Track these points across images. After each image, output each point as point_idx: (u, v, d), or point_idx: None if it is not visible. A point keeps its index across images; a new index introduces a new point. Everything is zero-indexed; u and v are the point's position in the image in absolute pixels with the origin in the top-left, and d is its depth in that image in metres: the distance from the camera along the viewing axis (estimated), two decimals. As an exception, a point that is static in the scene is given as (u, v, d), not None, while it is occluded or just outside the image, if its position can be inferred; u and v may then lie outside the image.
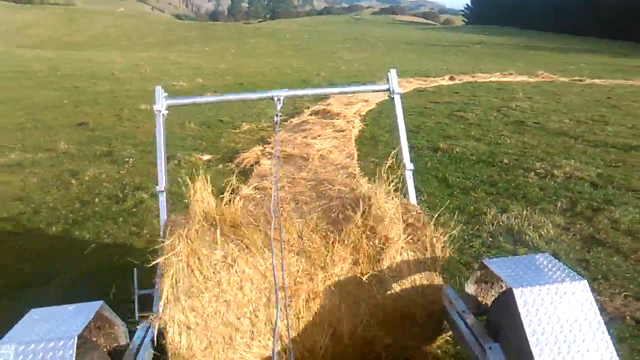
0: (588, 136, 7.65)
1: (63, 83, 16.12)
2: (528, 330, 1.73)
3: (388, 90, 3.00)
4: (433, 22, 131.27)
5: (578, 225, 4.24)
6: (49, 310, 2.00)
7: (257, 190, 5.19)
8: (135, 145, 7.86)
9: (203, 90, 14.08)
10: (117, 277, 3.38)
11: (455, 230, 2.94)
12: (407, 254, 2.43)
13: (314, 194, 4.89)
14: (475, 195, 5.02)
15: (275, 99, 2.89)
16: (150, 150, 7.24)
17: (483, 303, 2.37)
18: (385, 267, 2.39)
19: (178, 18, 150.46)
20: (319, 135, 7.58)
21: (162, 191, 2.79)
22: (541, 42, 48.95)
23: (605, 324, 1.73)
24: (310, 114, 9.63)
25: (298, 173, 5.83)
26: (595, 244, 3.91)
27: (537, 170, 5.78)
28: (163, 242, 2.34)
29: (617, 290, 3.23)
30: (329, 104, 10.56)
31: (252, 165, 6.52)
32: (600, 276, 3.44)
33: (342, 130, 7.99)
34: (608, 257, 3.68)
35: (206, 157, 7.04)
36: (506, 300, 1.94)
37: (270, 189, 4.30)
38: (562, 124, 8.67)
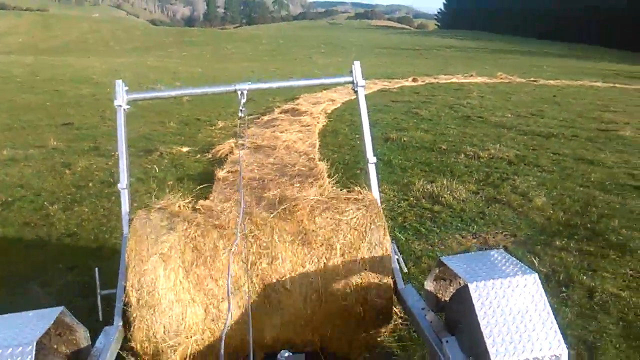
0: (521, 127, 8.78)
1: (44, 87, 16.72)
2: (482, 323, 1.81)
3: (352, 82, 3.02)
4: (407, 27, 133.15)
5: (486, 191, 5.32)
6: (7, 317, 1.99)
7: (230, 174, 6.10)
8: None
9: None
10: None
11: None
12: (361, 246, 2.54)
13: (277, 174, 5.80)
14: (411, 172, 6.01)
15: (239, 92, 2.89)
16: (134, 145, 8.07)
17: (442, 300, 2.44)
18: (338, 255, 2.51)
19: (154, 24, 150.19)
20: (286, 130, 8.51)
21: (124, 188, 2.81)
22: (513, 46, 50.50)
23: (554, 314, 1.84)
24: (280, 112, 10.55)
25: (266, 159, 6.74)
26: (495, 202, 5.00)
27: (467, 153, 6.86)
28: (126, 238, 2.41)
29: (500, 231, 4.25)
30: (298, 103, 11.51)
31: (226, 155, 7.40)
32: (491, 223, 4.51)
33: (308, 125, 8.92)
34: (501, 211, 4.78)
35: (185, 149, 7.91)
36: (462, 295, 2.04)
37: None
38: (503, 117, 9.75)
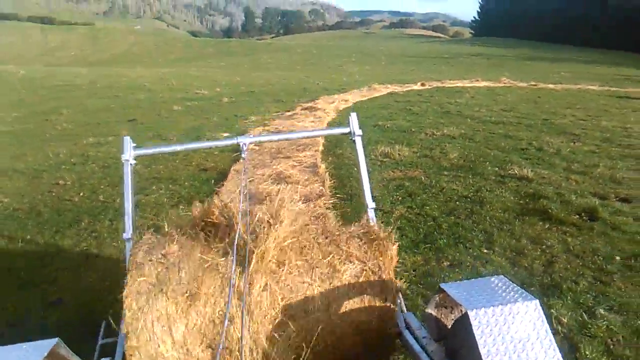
0: (484, 118, 11.19)
1: (105, 93, 19.61)
2: (483, 351, 1.81)
3: (349, 133, 3.12)
4: (442, 35, 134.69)
5: (422, 152, 7.88)
6: (1, 349, 2.02)
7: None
8: (176, 131, 11.26)
9: (221, 96, 17.51)
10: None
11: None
12: (364, 275, 2.53)
13: (290, 146, 8.31)
14: (380, 143, 8.44)
15: (242, 144, 2.95)
16: (188, 134, 10.69)
17: (444, 328, 2.41)
18: (341, 283, 2.49)
19: (194, 35, 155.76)
20: (302, 120, 11.05)
21: (129, 238, 2.82)
22: (540, 53, 51.64)
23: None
24: (301, 109, 13.08)
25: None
26: (423, 157, 7.53)
27: (427, 133, 9.34)
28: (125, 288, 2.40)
29: (417, 169, 6.72)
30: (317, 103, 14.01)
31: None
32: (415, 166, 6.99)
33: (320, 118, 11.43)
34: (425, 160, 7.28)
35: (225, 134, 10.47)
36: (463, 323, 2.03)
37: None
38: (476, 112, 12.08)
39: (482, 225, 4.90)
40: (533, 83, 20.68)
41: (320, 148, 8.09)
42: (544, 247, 4.39)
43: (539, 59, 44.63)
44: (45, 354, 1.95)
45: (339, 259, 2.54)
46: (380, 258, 2.57)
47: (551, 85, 20.32)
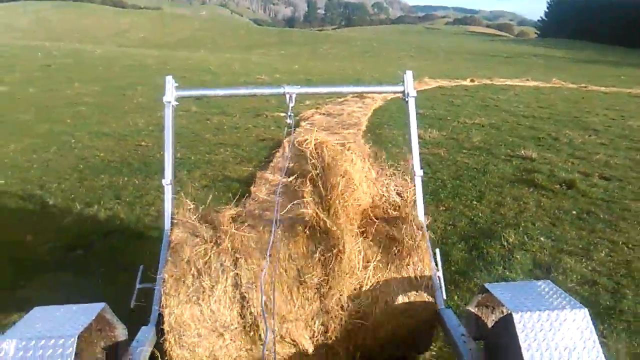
0: (514, 112, 12.29)
1: (175, 74, 20.49)
2: (526, 355, 1.79)
3: (402, 92, 2.97)
4: (506, 34, 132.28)
5: (450, 135, 8.97)
6: (52, 308, 2.09)
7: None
8: (239, 109, 12.70)
9: (279, 82, 18.90)
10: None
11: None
12: (403, 272, 2.54)
13: (339, 126, 9.60)
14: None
15: (287, 95, 2.89)
16: (249, 111, 12.14)
17: (483, 327, 2.39)
18: (380, 275, 2.53)
19: (257, 23, 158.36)
20: (350, 106, 12.33)
21: (169, 184, 2.82)
22: (602, 56, 50.96)
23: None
24: (351, 96, 14.34)
25: (333, 120, 10.59)
26: (452, 140, 8.72)
27: (460, 121, 10.62)
28: (169, 236, 2.52)
29: (442, 151, 7.88)
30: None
31: (307, 118, 11.23)
32: (443, 147, 8.20)
33: (367, 104, 12.68)
34: (453, 143, 8.42)
35: (282, 114, 11.84)
36: (506, 324, 2.00)
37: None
38: (513, 107, 13.06)
39: (478, 187, 6.14)
40: (583, 85, 21.14)
41: (363, 128, 9.38)
42: (521, 203, 5.62)
43: (601, 62, 44.13)
44: (93, 317, 2.03)
45: (378, 247, 2.56)
46: (424, 252, 2.57)
47: (603, 88, 20.73)
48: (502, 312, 2.31)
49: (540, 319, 1.85)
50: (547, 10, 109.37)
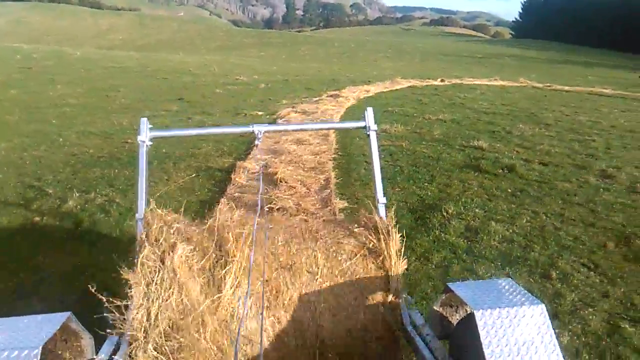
0: (477, 109, 13.20)
1: (155, 75, 21.82)
2: (487, 352, 1.85)
3: (364, 127, 3.13)
4: (482, 35, 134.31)
5: (414, 129, 9.88)
6: (15, 319, 2.04)
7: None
8: (219, 109, 13.41)
9: (258, 82, 19.64)
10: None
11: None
12: (369, 271, 2.59)
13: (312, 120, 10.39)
14: (382, 123, 10.40)
15: (257, 131, 3.00)
16: (229, 110, 12.87)
17: (448, 326, 2.46)
18: (346, 280, 2.55)
19: (235, 24, 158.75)
20: (325, 104, 13.13)
21: (141, 218, 2.82)
22: (573, 56, 52.56)
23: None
24: (326, 96, 15.15)
25: (307, 117, 11.38)
26: (414, 133, 9.53)
27: (425, 117, 11.49)
28: (137, 259, 2.45)
29: (404, 143, 8.70)
30: (342, 91, 16.07)
31: (284, 116, 11.99)
32: (406, 139, 9.00)
33: (341, 104, 13.50)
34: (415, 136, 9.31)
35: (260, 112, 12.60)
36: (469, 322, 2.08)
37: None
38: (477, 105, 14.00)
39: (431, 172, 7.01)
40: (548, 84, 22.22)
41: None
42: (465, 184, 6.50)
43: (571, 62, 45.62)
44: (58, 327, 2.00)
45: (345, 253, 2.60)
46: (387, 254, 2.61)
47: (566, 87, 21.76)
48: (466, 310, 2.41)
49: (500, 316, 1.93)
50: (521, 11, 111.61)
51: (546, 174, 7.06)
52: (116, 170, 7.33)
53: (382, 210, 2.95)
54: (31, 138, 9.54)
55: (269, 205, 5.29)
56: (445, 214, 5.32)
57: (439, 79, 21.57)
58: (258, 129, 2.99)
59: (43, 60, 26.01)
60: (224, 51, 51.55)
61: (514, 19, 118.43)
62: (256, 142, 3.04)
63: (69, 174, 7.19)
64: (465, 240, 4.77)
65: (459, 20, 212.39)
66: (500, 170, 7.06)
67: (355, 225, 2.77)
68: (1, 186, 6.64)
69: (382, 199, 2.98)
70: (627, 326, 3.45)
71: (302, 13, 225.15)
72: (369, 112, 3.16)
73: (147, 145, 2.99)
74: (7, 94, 15.34)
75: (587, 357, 3.11)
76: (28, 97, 14.91)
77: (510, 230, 4.99)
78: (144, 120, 3.00)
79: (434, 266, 4.25)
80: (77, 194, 6.20)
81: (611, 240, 4.81)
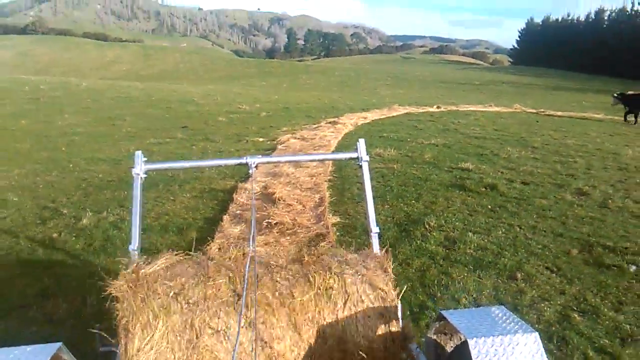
0: (469, 134, 13.76)
1: (160, 105, 22.46)
2: None
3: (357, 158, 3.20)
4: (480, 62, 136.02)
5: (406, 153, 10.39)
6: (5, 350, 2.02)
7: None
8: (221, 136, 13.99)
9: (260, 111, 20.30)
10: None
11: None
12: (366, 305, 2.58)
13: (310, 148, 10.94)
14: (377, 147, 10.95)
15: (250, 163, 3.01)
16: (231, 138, 13.44)
17: (442, 354, 2.48)
18: (344, 315, 2.55)
19: (237, 54, 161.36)
20: (323, 131, 13.72)
21: (135, 250, 2.86)
22: (569, 83, 53.31)
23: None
24: (325, 123, 15.75)
25: (306, 143, 11.94)
26: (406, 157, 10.07)
27: (418, 142, 12.01)
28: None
29: (396, 165, 9.22)
30: (340, 118, 16.68)
31: (283, 142, 12.55)
32: (398, 162, 9.50)
33: (339, 130, 14.09)
34: (407, 159, 9.84)
35: (261, 139, 13.17)
36: (462, 350, 2.11)
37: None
38: (469, 130, 14.57)
39: (419, 191, 7.55)
40: (542, 110, 22.84)
41: (332, 149, 10.79)
42: (449, 201, 7.03)
43: (567, 88, 46.24)
44: (48, 358, 1.98)
45: (345, 287, 2.59)
46: (384, 285, 2.63)
47: (559, 113, 22.36)
48: (460, 338, 2.42)
49: (494, 344, 1.95)
50: (518, 39, 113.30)
51: (526, 191, 7.59)
52: (125, 192, 7.82)
53: (375, 240, 3.01)
54: (43, 165, 10.03)
55: (267, 221, 5.82)
56: (427, 226, 5.84)
57: (435, 106, 22.20)
58: (252, 160, 3.02)
59: (51, 91, 26.70)
60: (226, 81, 52.46)
61: (512, 47, 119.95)
62: (250, 172, 3.03)
63: (81, 196, 7.69)
64: (443, 249, 5.28)
65: (458, 49, 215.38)
66: (483, 189, 7.59)
67: (354, 257, 2.79)
68: (19, 208, 7.11)
69: (374, 229, 3.02)
70: (576, 316, 3.94)
71: (303, 43, 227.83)
72: (361, 144, 3.23)
73: (141, 178, 3.02)
74: (18, 124, 15.88)
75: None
76: (38, 127, 15.46)
77: (486, 240, 5.50)
78: (139, 153, 3.04)
79: (413, 270, 4.73)
80: (90, 213, 6.70)
81: (575, 248, 5.32)
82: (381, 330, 2.57)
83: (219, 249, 4.92)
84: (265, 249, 3.31)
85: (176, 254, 2.84)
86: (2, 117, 17.26)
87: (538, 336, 1.98)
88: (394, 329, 2.59)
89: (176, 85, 38.23)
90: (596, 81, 56.19)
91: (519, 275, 4.59)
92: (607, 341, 3.61)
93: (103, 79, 47.99)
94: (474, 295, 4.24)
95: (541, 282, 4.52)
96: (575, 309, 4.08)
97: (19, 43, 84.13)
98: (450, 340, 2.49)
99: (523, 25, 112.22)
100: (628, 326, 3.83)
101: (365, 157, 3.19)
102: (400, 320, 2.65)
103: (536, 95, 36.86)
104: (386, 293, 2.62)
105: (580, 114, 22.28)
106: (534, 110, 22.85)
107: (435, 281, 4.48)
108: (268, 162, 3.30)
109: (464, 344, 2.07)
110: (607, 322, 3.89)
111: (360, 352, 2.52)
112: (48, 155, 11.02)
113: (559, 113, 22.35)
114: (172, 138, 13.54)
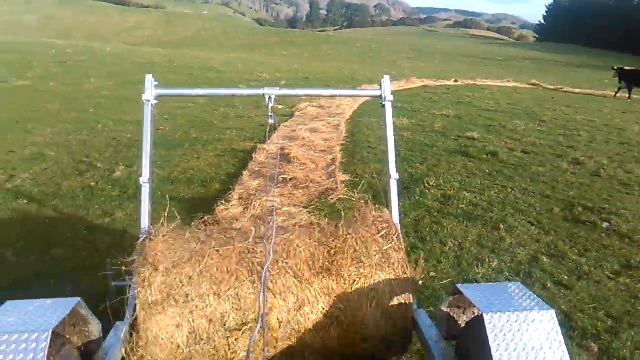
0: (481, 106, 14.17)
1: (182, 72, 22.90)
2: (495, 355, 1.85)
3: (380, 97, 2.98)
4: (505, 37, 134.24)
5: (417, 122, 10.89)
6: (25, 302, 2.07)
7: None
8: (242, 103, 14.52)
9: (279, 79, 20.76)
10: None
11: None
12: (380, 274, 2.56)
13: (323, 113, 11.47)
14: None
15: (267, 97, 2.91)
16: (248, 103, 14.00)
17: (455, 327, 2.46)
18: (357, 284, 2.53)
19: (259, 23, 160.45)
20: (341, 100, 14.28)
21: (147, 182, 2.84)
22: (594, 60, 52.50)
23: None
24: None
25: (322, 111, 12.49)
26: (417, 126, 10.60)
27: (430, 112, 12.46)
28: (143, 238, 2.50)
29: (407, 133, 9.75)
30: (358, 89, 17.15)
31: (301, 110, 13.08)
32: (408, 130, 10.04)
33: (355, 100, 14.62)
34: (417, 128, 10.30)
35: (280, 106, 13.71)
36: (477, 325, 2.08)
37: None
38: (482, 103, 14.98)
39: (424, 155, 8.13)
40: (560, 87, 23.03)
41: (347, 117, 11.31)
42: (452, 165, 7.62)
43: (590, 66, 45.84)
44: (68, 312, 2.02)
45: (358, 255, 2.57)
46: (397, 255, 2.61)
47: (577, 90, 22.57)
48: (474, 312, 2.41)
49: (510, 320, 1.93)
50: (545, 14, 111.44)
51: (524, 159, 8.13)
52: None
53: (393, 185, 2.94)
54: (73, 125, 10.59)
55: (282, 176, 6.44)
56: (427, 185, 6.43)
57: (452, 80, 22.48)
58: (269, 92, 2.93)
59: (76, 55, 27.27)
60: (248, 49, 52.70)
61: (538, 22, 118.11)
62: (268, 105, 2.94)
63: (112, 153, 8.31)
64: (438, 204, 5.87)
65: (484, 23, 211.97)
66: (485, 156, 8.15)
67: (366, 228, 2.73)
68: (57, 162, 7.75)
69: (394, 175, 2.93)
70: (544, 258, 4.53)
71: (325, 13, 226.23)
72: (386, 81, 2.99)
73: (152, 105, 2.95)
74: (47, 86, 16.48)
75: (506, 274, 4.19)
76: (66, 89, 16.04)
77: (478, 198, 6.08)
78: (149, 77, 2.95)
79: (409, 220, 5.31)
80: (123, 167, 7.33)
81: (558, 207, 5.90)
82: (395, 301, 2.60)
83: (239, 198, 5.57)
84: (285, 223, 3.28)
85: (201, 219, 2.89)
86: (32, 79, 17.88)
87: (554, 313, 1.97)
88: (407, 299, 2.62)
89: (198, 52, 38.69)
90: (622, 59, 55.38)
91: (502, 227, 5.16)
92: (565, 277, 4.20)
93: (125, 44, 48.60)
94: (460, 240, 4.84)
95: (521, 232, 5.10)
96: (545, 253, 4.66)
97: (42, 7, 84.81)
98: (464, 314, 2.50)
99: (551, 0, 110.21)
100: (587, 267, 4.42)
101: (390, 97, 2.98)
102: (414, 296, 2.67)
103: (558, 72, 36.76)
104: (399, 263, 2.63)
105: (598, 92, 22.43)
106: (552, 87, 23.00)
107: (427, 229, 5.07)
108: (285, 95, 3.17)
109: (479, 318, 2.06)
110: (570, 263, 4.48)
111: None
112: (77, 116, 11.59)
113: (577, 90, 22.50)
114: (195, 103, 14.07)
